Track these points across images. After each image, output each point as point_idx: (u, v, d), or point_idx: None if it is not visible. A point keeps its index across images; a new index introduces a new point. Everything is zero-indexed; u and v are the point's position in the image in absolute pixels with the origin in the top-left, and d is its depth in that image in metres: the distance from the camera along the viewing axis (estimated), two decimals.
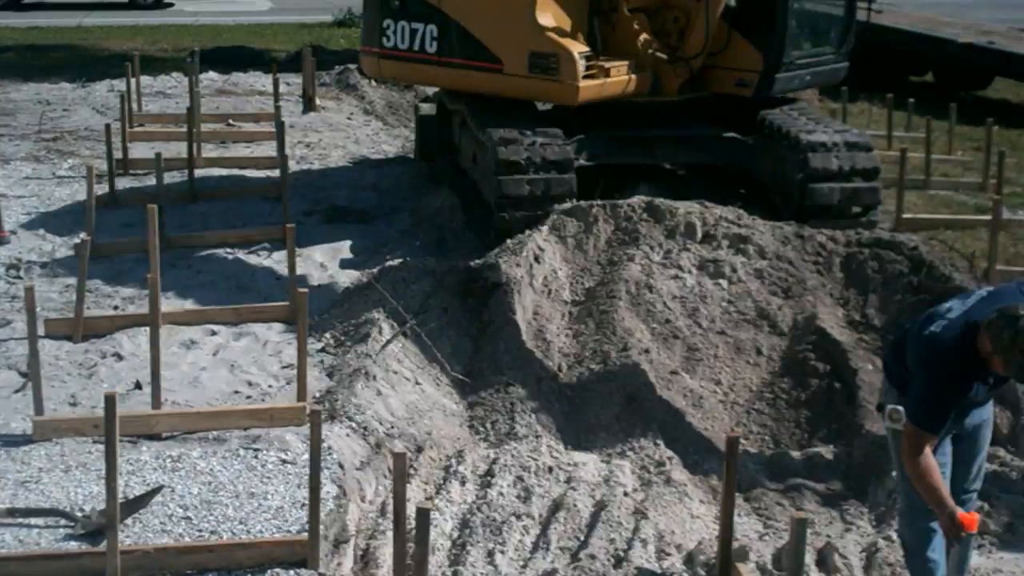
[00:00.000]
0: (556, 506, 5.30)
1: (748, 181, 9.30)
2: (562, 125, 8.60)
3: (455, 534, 5.07)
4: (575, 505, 5.28)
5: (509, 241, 7.66)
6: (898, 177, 9.25)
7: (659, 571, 4.83)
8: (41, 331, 6.31)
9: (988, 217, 8.38)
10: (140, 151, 10.55)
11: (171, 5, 25.24)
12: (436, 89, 10.49)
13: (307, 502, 4.59)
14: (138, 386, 6.12)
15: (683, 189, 8.82)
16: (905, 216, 9.17)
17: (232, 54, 17.73)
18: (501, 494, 5.35)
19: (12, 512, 4.85)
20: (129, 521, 4.82)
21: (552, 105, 9.15)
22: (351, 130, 12.58)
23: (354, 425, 5.76)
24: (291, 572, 4.58)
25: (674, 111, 9.21)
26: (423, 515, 3.90)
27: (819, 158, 8.34)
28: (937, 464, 4.39)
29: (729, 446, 4.49)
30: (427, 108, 10.72)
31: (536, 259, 7.41)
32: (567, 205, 7.99)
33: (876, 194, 8.56)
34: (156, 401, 5.76)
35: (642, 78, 8.85)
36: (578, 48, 8.43)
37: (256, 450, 5.52)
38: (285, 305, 7.15)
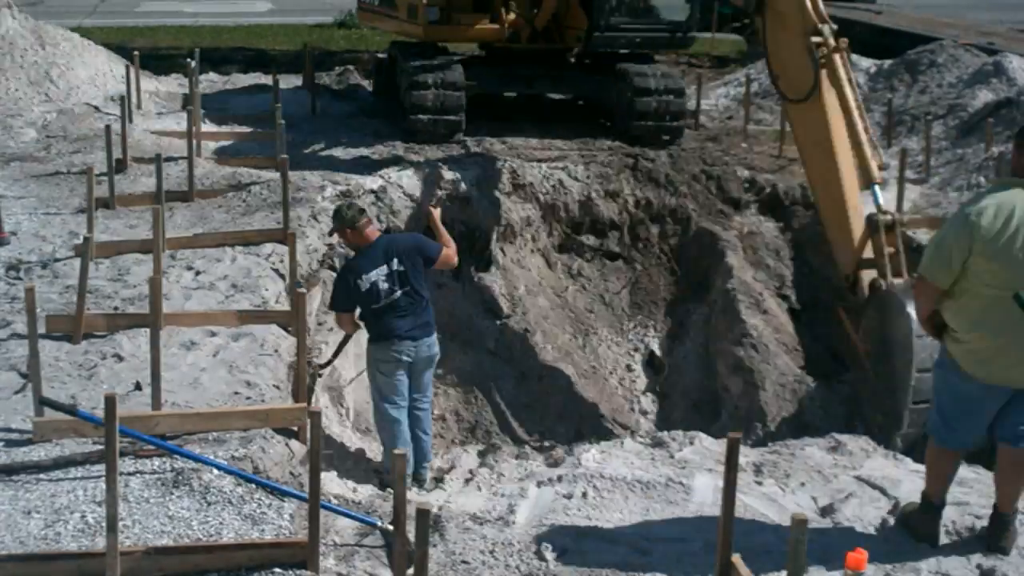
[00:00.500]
0: None
1: (605, 113, 12.73)
2: (464, 65, 12.08)
3: None
4: None
5: None
6: (899, 174, 10.15)
7: None
8: (42, 329, 6.30)
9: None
10: (140, 151, 10.54)
11: None
12: None
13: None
14: (138, 387, 6.12)
15: (558, 119, 12.80)
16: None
17: (232, 54, 17.75)
18: None
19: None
20: (129, 522, 4.82)
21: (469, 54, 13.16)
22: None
23: None
24: (290, 573, 4.58)
25: (552, 58, 12.71)
26: (423, 515, 3.90)
27: (640, 79, 11.91)
28: None
29: (729, 446, 4.48)
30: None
31: None
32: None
33: (682, 106, 12.12)
34: (156, 402, 5.75)
35: (496, 29, 12.12)
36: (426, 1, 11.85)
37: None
38: (285, 311, 7.13)
